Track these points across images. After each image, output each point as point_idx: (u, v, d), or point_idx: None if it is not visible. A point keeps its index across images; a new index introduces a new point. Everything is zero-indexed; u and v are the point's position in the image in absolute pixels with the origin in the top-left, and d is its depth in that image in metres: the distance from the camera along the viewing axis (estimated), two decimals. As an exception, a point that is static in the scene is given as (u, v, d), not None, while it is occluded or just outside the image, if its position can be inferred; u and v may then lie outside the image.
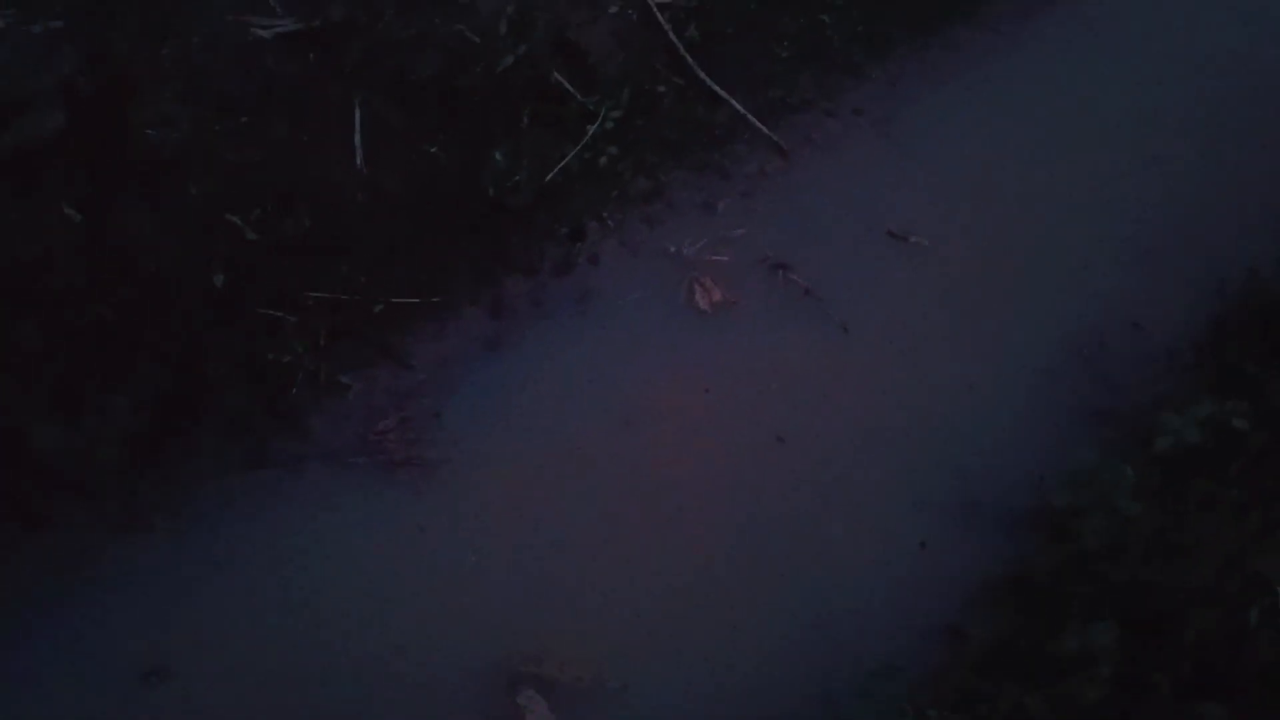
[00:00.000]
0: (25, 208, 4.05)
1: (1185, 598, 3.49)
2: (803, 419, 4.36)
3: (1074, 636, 3.45)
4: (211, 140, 4.39)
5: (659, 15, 5.28)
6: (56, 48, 4.28)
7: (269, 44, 4.60)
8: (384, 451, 4.08)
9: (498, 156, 4.76)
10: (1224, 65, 5.71)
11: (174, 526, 3.85)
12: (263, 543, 3.88)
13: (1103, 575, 3.72)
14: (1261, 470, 3.81)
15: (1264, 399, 4.05)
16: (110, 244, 4.13)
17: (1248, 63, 5.73)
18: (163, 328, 4.10)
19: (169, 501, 3.90)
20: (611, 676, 3.73)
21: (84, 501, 3.85)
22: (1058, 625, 3.63)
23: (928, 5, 5.66)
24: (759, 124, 5.22)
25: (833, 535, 4.10)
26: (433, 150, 4.72)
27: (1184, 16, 5.87)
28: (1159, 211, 5.12)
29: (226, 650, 3.68)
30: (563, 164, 4.86)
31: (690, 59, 5.27)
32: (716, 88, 5.26)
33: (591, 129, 4.96)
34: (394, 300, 4.44)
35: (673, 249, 4.81)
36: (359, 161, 4.58)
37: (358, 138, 4.60)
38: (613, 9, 5.25)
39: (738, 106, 5.24)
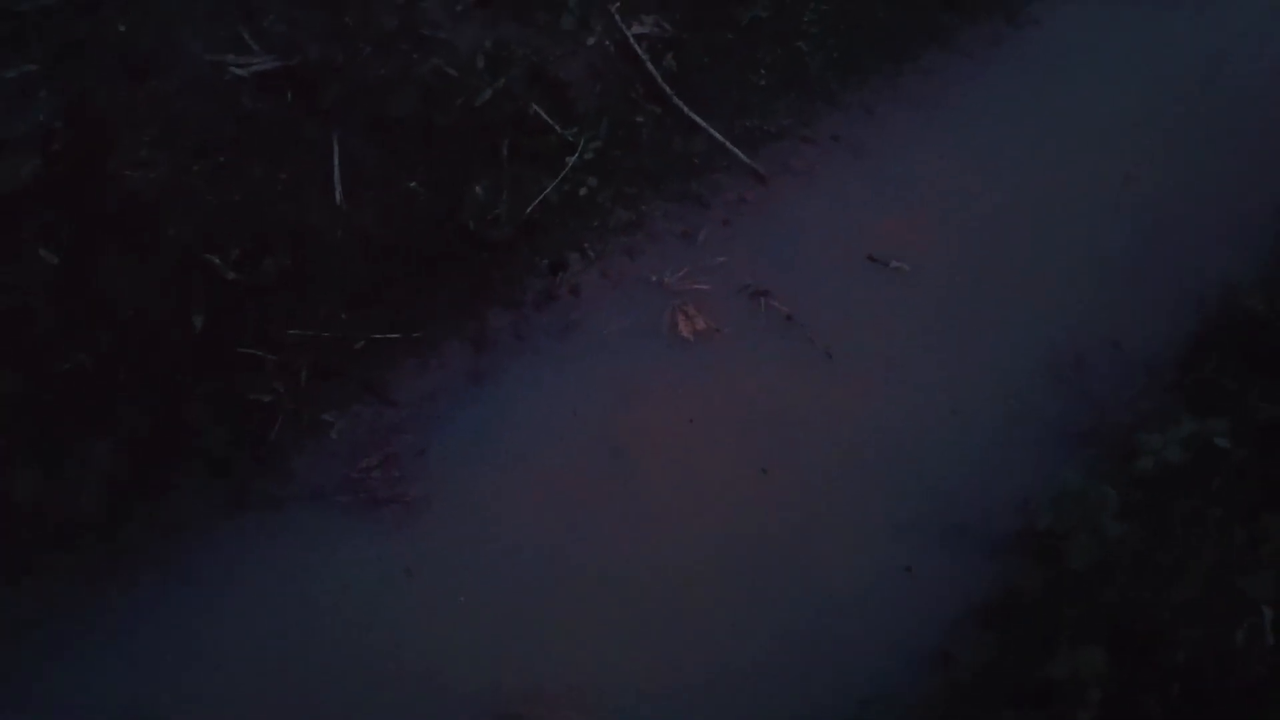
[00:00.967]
0: (1, 253, 4.03)
1: (1172, 618, 3.48)
2: (787, 447, 4.36)
3: (1063, 662, 3.45)
4: (189, 181, 4.39)
5: (636, 46, 5.32)
6: (32, 92, 4.26)
7: (246, 83, 4.60)
8: (368, 490, 4.06)
9: (478, 190, 4.77)
10: (1196, 82, 5.79)
11: (158, 573, 3.81)
12: (248, 587, 3.84)
13: (1089, 596, 3.72)
14: (1243, 487, 3.82)
15: (1243, 415, 4.06)
16: (88, 287, 4.11)
17: (1219, 79, 5.81)
18: (142, 371, 4.08)
19: (152, 547, 3.86)
20: (602, 717, 3.69)
21: (66, 550, 3.81)
22: (1046, 648, 3.62)
23: (901, 32, 5.73)
24: (738, 152, 5.25)
25: (820, 563, 4.08)
26: (412, 186, 4.73)
27: (1155, 35, 5.96)
28: (1136, 229, 5.17)
29: (214, 696, 3.63)
30: (542, 196, 4.88)
31: (668, 89, 5.30)
32: (695, 116, 5.29)
33: (571, 160, 4.98)
34: (375, 337, 4.43)
35: (654, 279, 4.82)
36: (338, 199, 4.57)
37: (336, 175, 4.60)
38: (590, 40, 5.28)
39: (716, 135, 5.27)
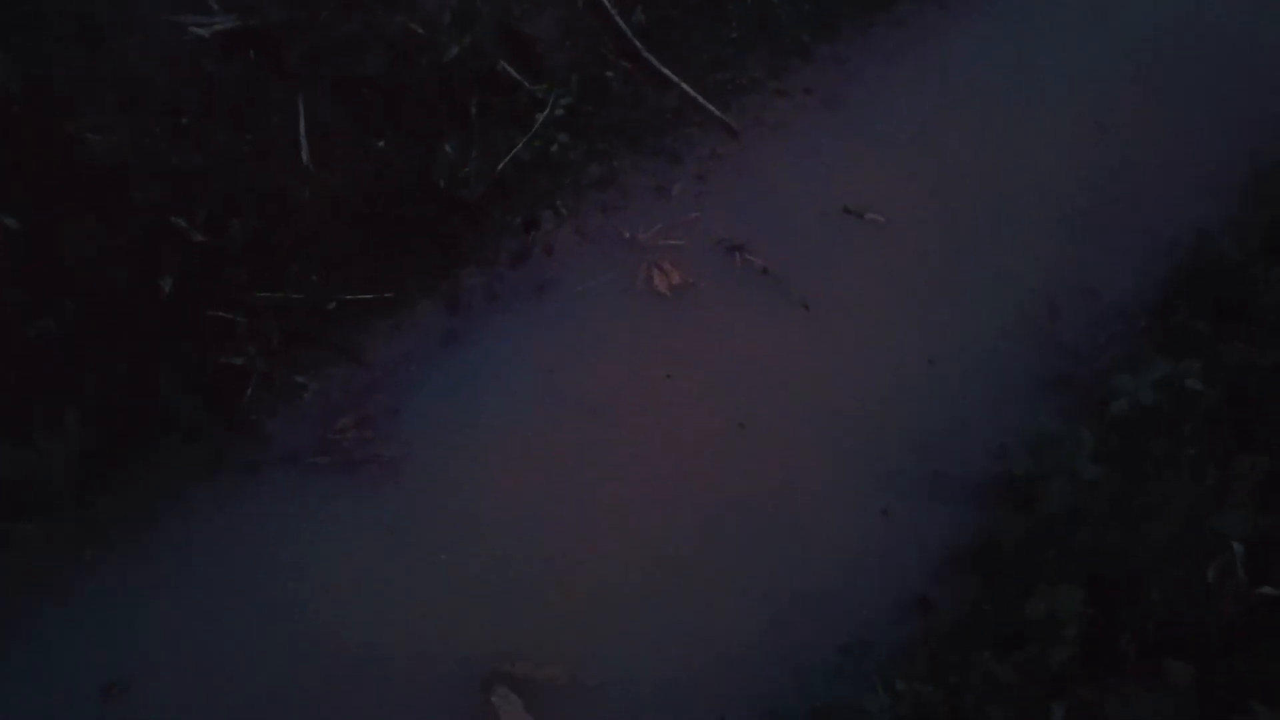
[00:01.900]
0: (-38, 221, 3.97)
1: (1147, 558, 3.52)
2: (764, 400, 4.36)
3: (1040, 601, 3.48)
4: (153, 144, 4.31)
5: (604, 1, 5.25)
6: (-13, 57, 4.18)
7: (207, 44, 4.51)
8: (343, 451, 4.04)
9: (447, 149, 4.71)
10: (1168, 29, 5.77)
11: (132, 539, 3.79)
12: (224, 550, 3.82)
13: (1066, 539, 3.75)
14: (1215, 427, 3.85)
15: (1215, 357, 4.09)
16: (52, 254, 4.05)
17: (1192, 25, 5.79)
18: (110, 338, 4.02)
19: (126, 514, 3.83)
20: (588, 674, 3.69)
21: (39, 519, 3.77)
22: (1024, 591, 3.65)
23: (872, -18, 5.67)
24: (709, 106, 5.20)
25: (799, 515, 4.10)
26: (381, 145, 4.67)
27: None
28: (1108, 177, 5.17)
29: (191, 658, 3.62)
30: (513, 154, 4.82)
31: (638, 43, 5.24)
32: (666, 71, 5.23)
33: (541, 117, 4.92)
34: (347, 298, 4.39)
35: (628, 235, 4.78)
36: (305, 160, 4.51)
37: (303, 136, 4.53)
38: (558, -5, 5.21)
39: (688, 89, 5.22)
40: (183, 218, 4.23)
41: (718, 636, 3.82)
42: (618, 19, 5.24)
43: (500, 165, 4.78)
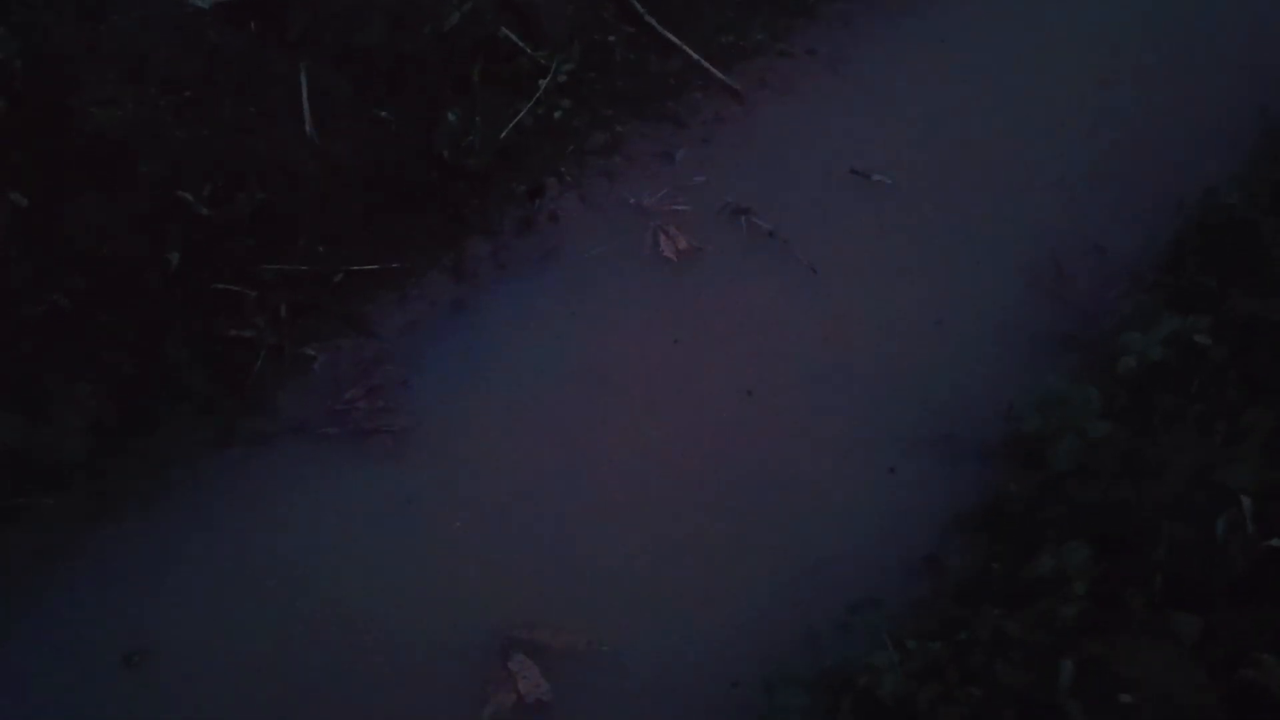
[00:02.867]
0: (-31, 197, 3.98)
1: (1155, 513, 3.52)
2: (772, 363, 4.36)
3: (1048, 557, 3.49)
4: (157, 118, 4.31)
5: (606, -35, 5.22)
6: (-10, 32, 4.18)
7: (209, 15, 4.51)
8: (353, 422, 4.06)
9: (450, 117, 4.70)
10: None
11: (146, 511, 3.83)
12: (238, 520, 3.86)
13: (1074, 496, 3.75)
14: (1224, 383, 3.83)
15: (1224, 312, 4.07)
16: (61, 229, 4.06)
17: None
18: (120, 311, 4.05)
19: (139, 486, 3.87)
20: (604, 640, 3.70)
21: (53, 492, 3.81)
22: (1033, 549, 3.66)
23: (877, -60, 5.62)
24: (713, 70, 5.18)
25: (809, 477, 4.10)
26: (383, 115, 4.67)
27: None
28: (1117, 133, 5.14)
29: (209, 627, 3.66)
30: (516, 121, 4.81)
31: (640, 7, 5.21)
32: (668, 34, 5.21)
33: (543, 83, 4.91)
34: (354, 269, 4.40)
35: (633, 201, 4.78)
36: (309, 131, 4.51)
37: (306, 107, 4.53)
38: (558, -40, 5.17)
39: (691, 53, 5.19)
40: (188, 191, 4.24)
41: (728, 601, 3.83)
42: (619, -17, 5.22)
43: (503, 133, 4.77)
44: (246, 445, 4.00)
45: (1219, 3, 5.62)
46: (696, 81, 5.17)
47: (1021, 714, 3.18)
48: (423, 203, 4.60)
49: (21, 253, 4.01)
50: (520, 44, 4.94)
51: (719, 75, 5.16)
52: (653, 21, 5.19)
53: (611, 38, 5.14)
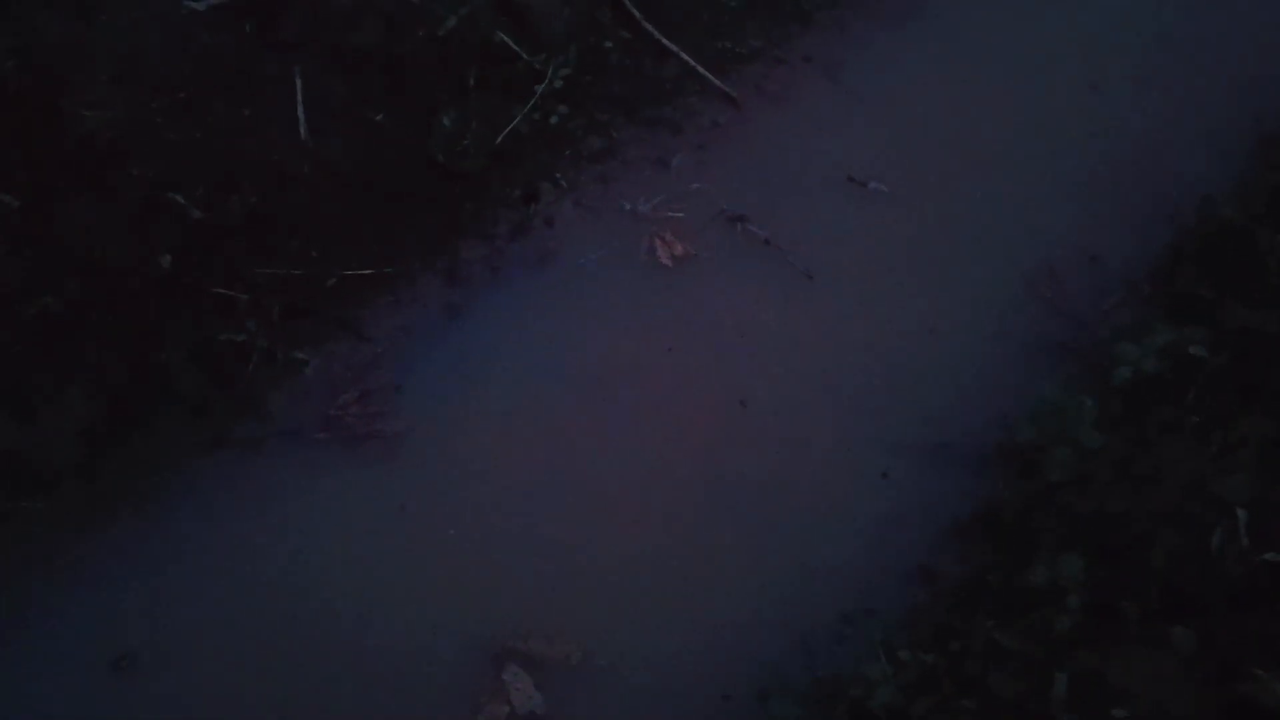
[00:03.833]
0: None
1: (1150, 525, 3.52)
2: (767, 371, 4.35)
3: (1042, 569, 3.48)
4: (149, 119, 4.29)
5: (602, -31, 5.21)
6: (-21, 32, 4.15)
7: (202, 16, 4.48)
8: (346, 426, 4.04)
9: (445, 121, 4.68)
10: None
11: (137, 515, 3.80)
12: (229, 525, 3.83)
13: (1069, 507, 3.74)
14: (1219, 393, 3.83)
15: (1219, 323, 4.07)
16: (51, 231, 4.04)
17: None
18: (111, 314, 4.02)
19: (130, 490, 3.84)
20: (600, 653, 3.68)
21: (43, 496, 3.79)
22: (1028, 560, 3.66)
23: (874, -54, 5.60)
24: (709, 75, 5.16)
25: (802, 486, 4.08)
26: (378, 118, 4.64)
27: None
28: (1112, 142, 5.13)
29: (199, 634, 3.64)
30: (512, 126, 4.79)
31: (636, 12, 5.19)
32: (664, 40, 5.19)
33: (540, 88, 4.89)
34: (347, 273, 4.38)
35: (629, 207, 4.76)
36: (303, 134, 4.48)
37: (300, 109, 4.51)
38: (555, -36, 5.16)
39: (687, 58, 5.17)
40: (181, 193, 4.21)
41: (721, 611, 3.82)
42: (616, -12, 5.20)
43: (499, 137, 4.75)
44: (238, 450, 3.97)
45: (1215, 12, 5.62)
46: (692, 87, 5.15)
47: (1016, 726, 3.18)
48: (417, 206, 4.58)
49: (11, 254, 3.98)
50: (516, 48, 4.92)
51: (715, 81, 5.14)
52: (649, 27, 5.18)
53: (608, 43, 5.12)
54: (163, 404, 3.99)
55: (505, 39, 4.92)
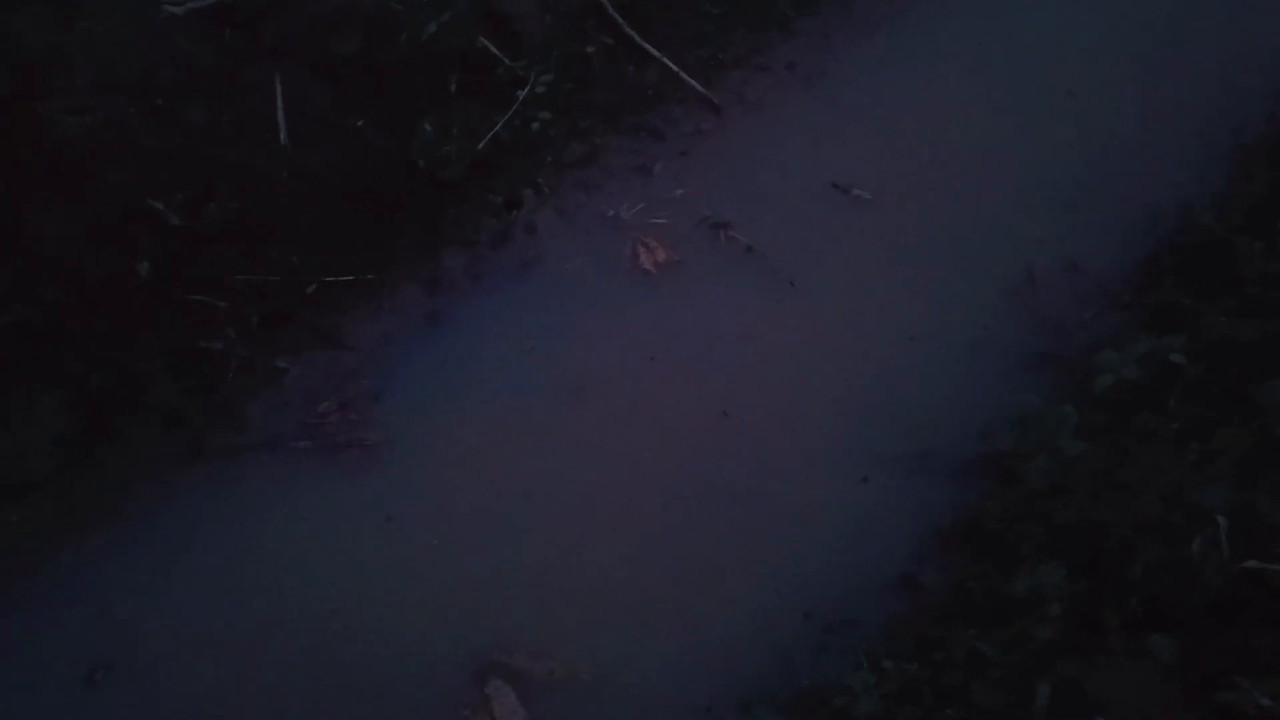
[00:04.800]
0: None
1: (1131, 533, 3.52)
2: (749, 378, 4.34)
3: (1024, 578, 3.48)
4: (128, 126, 4.25)
5: (585, -25, 5.19)
6: (-44, 37, 4.10)
7: (182, 22, 4.44)
8: (326, 435, 4.01)
9: (427, 128, 4.66)
10: (1153, 4, 5.73)
11: (112, 526, 3.76)
12: (207, 535, 3.80)
13: (1050, 515, 3.74)
14: (1198, 402, 3.84)
15: (1199, 332, 4.08)
16: (28, 238, 3.99)
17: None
18: (88, 323, 3.98)
19: (106, 500, 3.80)
20: (583, 666, 3.65)
21: (17, 506, 3.74)
22: (1009, 569, 3.65)
23: (855, -45, 5.62)
24: (692, 82, 5.16)
25: (784, 496, 4.07)
26: (360, 125, 4.61)
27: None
28: (1092, 152, 5.15)
29: (175, 645, 3.60)
30: (494, 132, 4.77)
31: (619, 18, 5.18)
32: (647, 46, 5.18)
33: (521, 95, 4.87)
34: (327, 280, 4.35)
35: (611, 213, 4.75)
36: (283, 140, 4.45)
37: (280, 116, 4.47)
38: (538, -30, 5.14)
39: (669, 64, 5.17)
40: (159, 200, 4.18)
41: (704, 623, 3.79)
42: (599, -6, 5.19)
43: (481, 144, 4.73)
44: (216, 459, 3.94)
45: (1196, 23, 5.65)
46: (675, 94, 5.15)
47: (997, 736, 3.17)
48: (398, 214, 4.55)
49: (-14, 262, 3.94)
50: (499, 54, 4.91)
51: (697, 87, 5.14)
52: (632, 33, 5.17)
53: (590, 49, 5.10)
54: (140, 413, 3.95)
55: (488, 45, 4.91)
